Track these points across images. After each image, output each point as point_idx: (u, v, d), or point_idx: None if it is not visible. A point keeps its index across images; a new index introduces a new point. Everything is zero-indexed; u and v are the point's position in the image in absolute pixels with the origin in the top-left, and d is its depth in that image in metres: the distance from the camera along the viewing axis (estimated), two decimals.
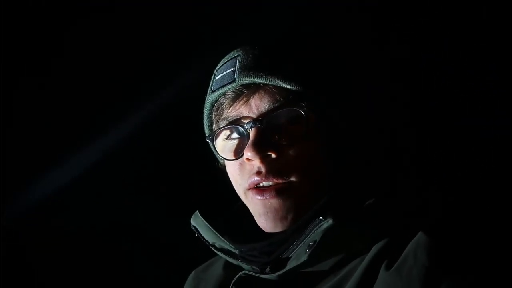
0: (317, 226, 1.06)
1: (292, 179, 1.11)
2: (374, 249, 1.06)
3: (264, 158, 1.10)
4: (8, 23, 1.73)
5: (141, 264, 1.84)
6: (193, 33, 1.75)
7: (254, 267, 1.15)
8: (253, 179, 1.13)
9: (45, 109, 1.81)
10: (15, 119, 1.81)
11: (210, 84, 1.21)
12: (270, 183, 1.11)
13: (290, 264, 1.09)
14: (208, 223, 1.20)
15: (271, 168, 1.10)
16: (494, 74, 1.51)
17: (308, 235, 1.07)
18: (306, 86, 1.10)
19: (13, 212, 1.82)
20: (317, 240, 1.05)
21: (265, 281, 1.14)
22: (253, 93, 1.13)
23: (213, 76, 1.20)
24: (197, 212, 1.23)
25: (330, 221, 1.04)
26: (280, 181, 1.11)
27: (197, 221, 1.22)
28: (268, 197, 1.11)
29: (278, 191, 1.11)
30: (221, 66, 1.19)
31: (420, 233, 1.02)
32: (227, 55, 1.20)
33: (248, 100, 1.13)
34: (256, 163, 1.11)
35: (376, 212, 1.10)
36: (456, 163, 1.51)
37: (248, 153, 1.10)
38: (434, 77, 1.57)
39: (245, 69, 1.13)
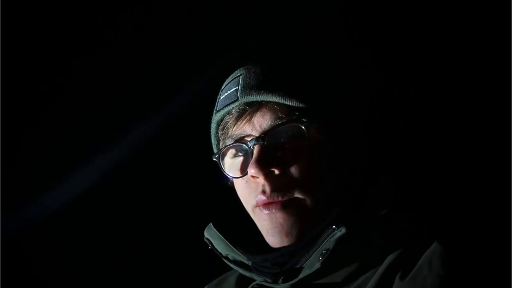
0: (330, 235, 1.07)
1: (297, 195, 1.12)
2: (388, 260, 1.07)
3: (267, 175, 1.12)
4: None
5: (153, 282, 1.85)
6: (195, 50, 1.78)
7: (267, 279, 1.16)
8: (259, 198, 1.14)
9: (48, 125, 1.82)
10: (19, 134, 1.82)
11: (216, 104, 1.23)
12: (278, 199, 1.13)
13: (303, 273, 1.10)
14: (222, 235, 1.22)
15: (275, 186, 1.12)
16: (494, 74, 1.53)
17: (321, 244, 1.08)
18: (307, 101, 1.12)
19: (16, 226, 1.82)
20: (330, 248, 1.06)
21: None
22: (256, 111, 1.15)
23: (219, 96, 1.23)
24: (210, 224, 1.24)
25: (343, 230, 1.06)
26: (285, 198, 1.12)
27: (211, 233, 1.23)
28: (274, 211, 1.13)
29: (284, 206, 1.13)
30: (226, 85, 1.21)
31: (435, 243, 1.03)
32: (231, 75, 1.22)
33: (251, 118, 1.15)
34: (261, 180, 1.13)
35: (389, 222, 1.12)
36: (459, 168, 1.52)
37: (252, 170, 1.12)
38: (434, 83, 1.59)
39: (247, 88, 1.15)
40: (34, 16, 1.78)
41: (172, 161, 1.82)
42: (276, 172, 1.12)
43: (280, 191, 1.12)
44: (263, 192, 1.13)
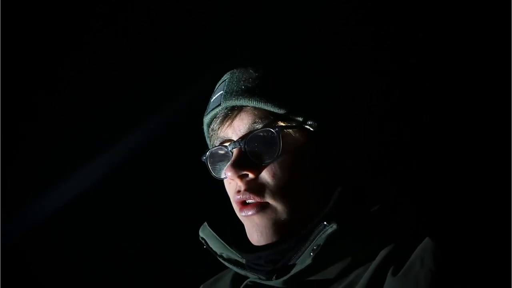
0: (322, 232, 1.08)
1: (268, 199, 1.14)
2: (380, 255, 1.07)
3: (241, 177, 1.15)
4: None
5: (153, 281, 1.85)
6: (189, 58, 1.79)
7: (261, 276, 1.17)
8: (236, 197, 1.17)
9: (47, 129, 1.83)
10: (19, 139, 1.83)
11: (207, 106, 1.25)
12: (252, 200, 1.15)
13: (295, 269, 1.11)
14: (216, 234, 1.23)
15: (248, 188, 1.15)
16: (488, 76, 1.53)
17: (313, 241, 1.09)
18: (284, 106, 1.14)
19: (16, 226, 1.83)
20: (321, 244, 1.07)
21: None
22: (236, 115, 1.18)
23: (210, 98, 1.25)
24: (205, 223, 1.25)
25: (334, 226, 1.07)
26: (258, 199, 1.14)
27: (205, 232, 1.25)
28: (250, 213, 1.15)
29: (258, 208, 1.14)
30: (216, 89, 1.24)
31: (426, 239, 1.04)
32: (221, 79, 1.24)
33: (232, 122, 1.18)
34: (238, 182, 1.15)
35: (381, 218, 1.12)
36: (454, 168, 1.51)
37: (228, 173, 1.15)
38: (434, 83, 1.59)
39: (229, 93, 1.18)
40: (35, 17, 1.80)
41: (172, 161, 1.83)
42: (250, 175, 1.15)
43: (252, 192, 1.14)
44: (238, 191, 1.16)
